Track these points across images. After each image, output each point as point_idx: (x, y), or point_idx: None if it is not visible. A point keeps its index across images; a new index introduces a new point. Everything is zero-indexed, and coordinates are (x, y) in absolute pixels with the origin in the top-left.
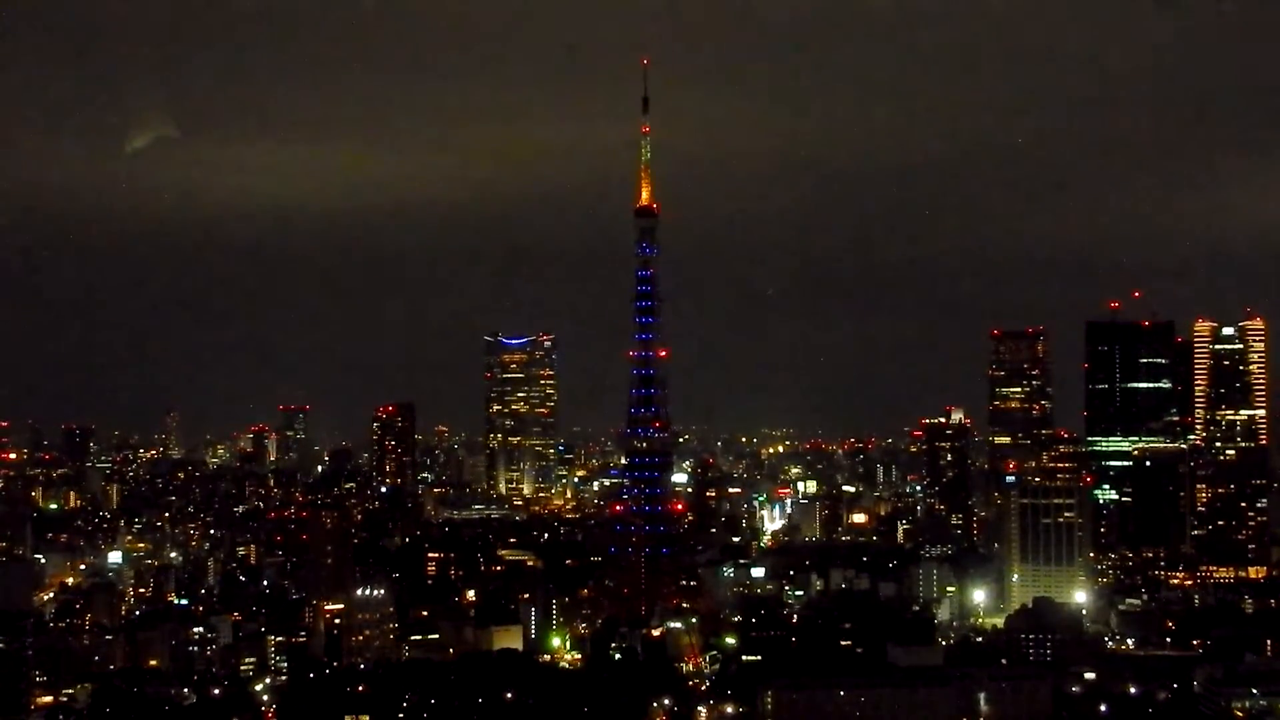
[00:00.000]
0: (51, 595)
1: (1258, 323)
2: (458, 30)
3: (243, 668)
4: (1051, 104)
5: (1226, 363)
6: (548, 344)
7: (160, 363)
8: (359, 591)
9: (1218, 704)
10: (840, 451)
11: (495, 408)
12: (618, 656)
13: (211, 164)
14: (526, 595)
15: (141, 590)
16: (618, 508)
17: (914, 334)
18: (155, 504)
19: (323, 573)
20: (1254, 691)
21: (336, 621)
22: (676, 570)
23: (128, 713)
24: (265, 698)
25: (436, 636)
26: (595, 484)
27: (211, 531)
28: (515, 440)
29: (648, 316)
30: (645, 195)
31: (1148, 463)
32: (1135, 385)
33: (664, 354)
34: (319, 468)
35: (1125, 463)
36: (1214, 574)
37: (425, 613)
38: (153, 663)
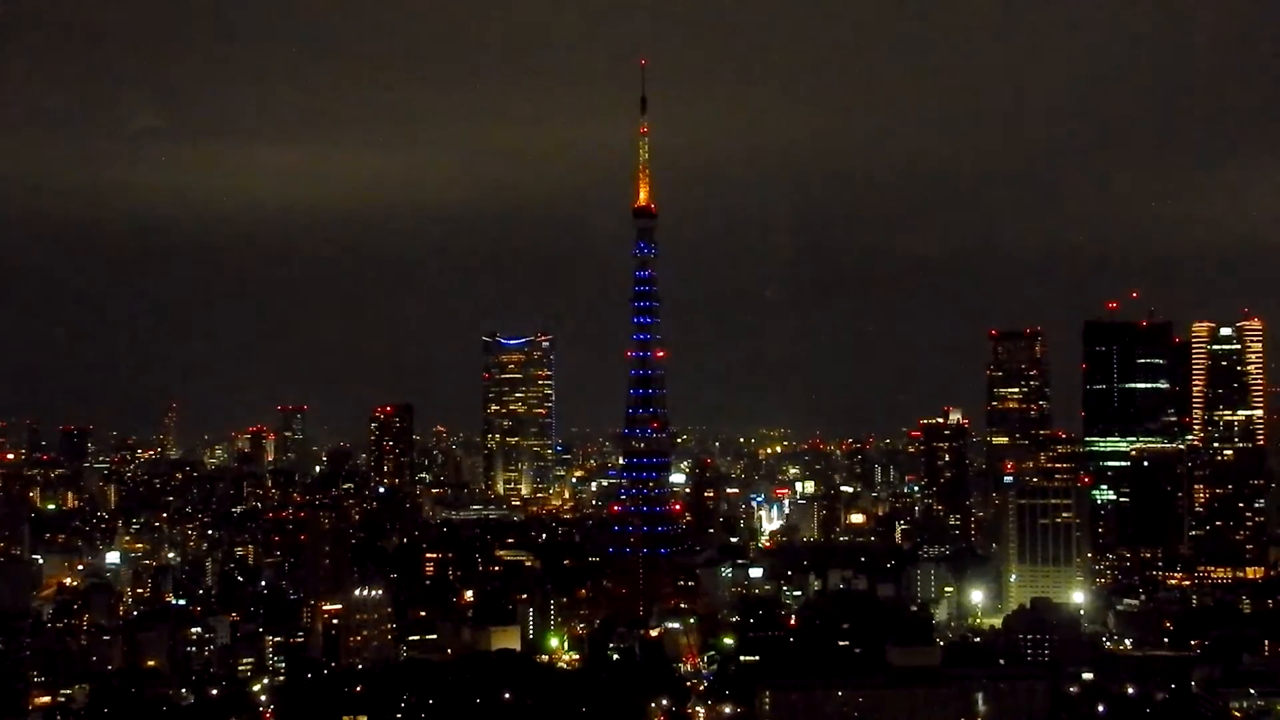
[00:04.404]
0: (50, 595)
1: (1255, 323)
2: (457, 31)
3: (240, 668)
4: (1051, 104)
5: (1224, 363)
6: (546, 344)
7: (159, 363)
8: (357, 592)
9: (1215, 704)
10: (838, 452)
11: (493, 408)
12: (615, 657)
13: (211, 164)
14: (524, 595)
15: (139, 590)
16: (616, 508)
17: (913, 334)
18: (153, 504)
19: (321, 573)
20: (1252, 692)
21: (334, 622)
22: (674, 570)
23: (126, 713)
24: (263, 698)
25: (434, 637)
26: (593, 484)
27: (209, 532)
28: (513, 440)
29: (646, 317)
30: (644, 195)
31: (1145, 463)
32: (1133, 385)
33: (662, 354)
34: (317, 468)
35: (1123, 463)
36: (1212, 574)
37: (423, 613)
38: (151, 663)
